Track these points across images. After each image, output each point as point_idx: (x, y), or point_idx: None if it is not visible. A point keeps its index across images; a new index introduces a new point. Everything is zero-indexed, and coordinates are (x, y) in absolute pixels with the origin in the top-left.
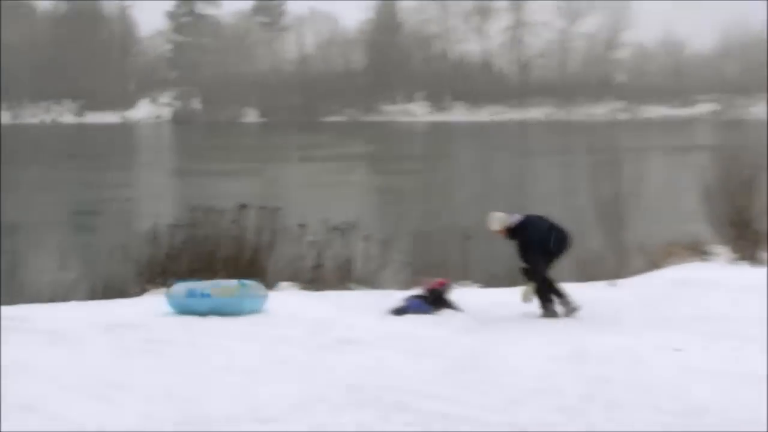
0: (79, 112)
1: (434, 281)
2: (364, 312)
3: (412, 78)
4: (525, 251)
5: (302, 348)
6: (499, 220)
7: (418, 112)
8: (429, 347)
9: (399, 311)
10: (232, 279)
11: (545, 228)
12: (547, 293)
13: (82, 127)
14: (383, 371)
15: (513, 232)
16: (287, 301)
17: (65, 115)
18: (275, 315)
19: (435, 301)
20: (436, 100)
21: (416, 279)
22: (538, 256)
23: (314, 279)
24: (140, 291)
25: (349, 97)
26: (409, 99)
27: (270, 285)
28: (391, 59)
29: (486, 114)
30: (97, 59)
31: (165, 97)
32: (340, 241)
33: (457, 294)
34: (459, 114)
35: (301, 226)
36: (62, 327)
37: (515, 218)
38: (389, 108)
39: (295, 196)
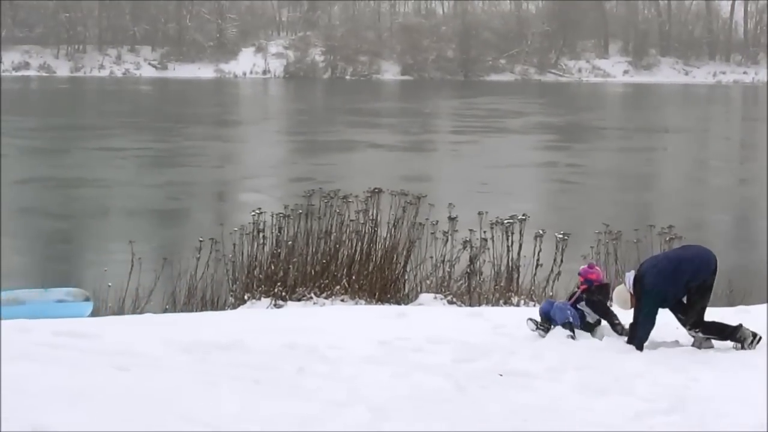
0: (161, 63)
1: (593, 270)
2: (530, 334)
3: (605, 26)
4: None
5: (447, 379)
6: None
7: (613, 71)
8: (617, 382)
9: (540, 324)
10: (356, 288)
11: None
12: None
13: (163, 83)
14: (558, 414)
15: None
16: (430, 318)
17: (143, 66)
18: (413, 336)
19: (597, 306)
20: (637, 56)
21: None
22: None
23: (466, 290)
24: (236, 302)
25: (519, 50)
26: (601, 53)
27: (407, 296)
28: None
29: (702, 74)
30: None
31: (275, 46)
32: (503, 241)
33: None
34: (666, 74)
35: (452, 219)
36: (133, 346)
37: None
38: (573, 64)
39: (444, 179)
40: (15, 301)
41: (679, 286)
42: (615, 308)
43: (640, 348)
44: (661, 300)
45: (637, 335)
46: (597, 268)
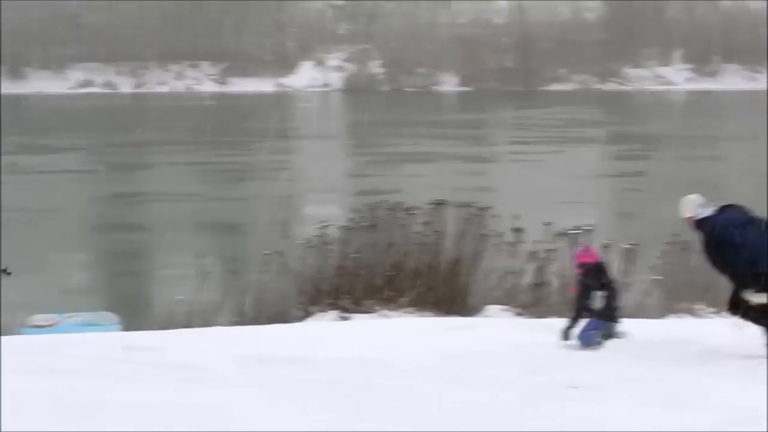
0: (222, 78)
1: (587, 252)
2: (600, 346)
3: (667, 33)
4: (711, 254)
5: (516, 393)
6: (690, 204)
7: (675, 78)
8: (690, 395)
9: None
10: (421, 300)
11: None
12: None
13: (224, 97)
14: (631, 428)
15: (699, 225)
16: (497, 330)
17: (204, 81)
18: (481, 349)
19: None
20: (701, 62)
21: (669, 303)
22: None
23: (533, 302)
24: (303, 314)
25: (579, 59)
26: (663, 61)
27: (473, 308)
28: (637, 7)
29: None
30: (245, 9)
31: (334, 59)
32: (569, 252)
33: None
34: (730, 80)
35: (517, 230)
36: (202, 360)
37: (707, 210)
38: (634, 73)
39: (507, 190)
40: (45, 325)
41: None
42: None
43: None
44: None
45: None
46: (592, 250)
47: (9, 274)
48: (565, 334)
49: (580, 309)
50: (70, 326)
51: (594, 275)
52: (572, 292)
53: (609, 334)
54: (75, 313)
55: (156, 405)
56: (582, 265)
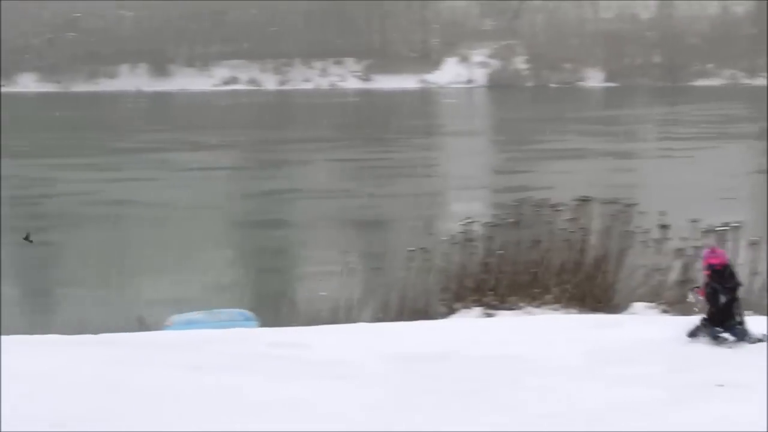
0: (366, 75)
1: (714, 253)
2: (748, 345)
3: None
4: None
5: (663, 390)
6: None
7: None
8: None
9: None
10: (566, 297)
11: None
12: None
13: (369, 94)
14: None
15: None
16: (643, 327)
17: (348, 78)
18: (627, 346)
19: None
20: None
21: None
22: None
23: (679, 299)
24: (447, 311)
25: (727, 54)
26: None
27: (618, 305)
28: None
29: None
30: (390, 6)
31: (478, 55)
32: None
33: None
34: None
35: (663, 227)
36: (347, 356)
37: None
38: None
39: (656, 186)
40: (185, 324)
41: None
42: None
43: None
44: None
45: None
46: (719, 251)
47: (31, 241)
48: (693, 333)
49: (709, 311)
50: (212, 323)
51: (720, 278)
52: (700, 294)
53: (743, 336)
54: (217, 310)
55: (305, 401)
56: (709, 267)
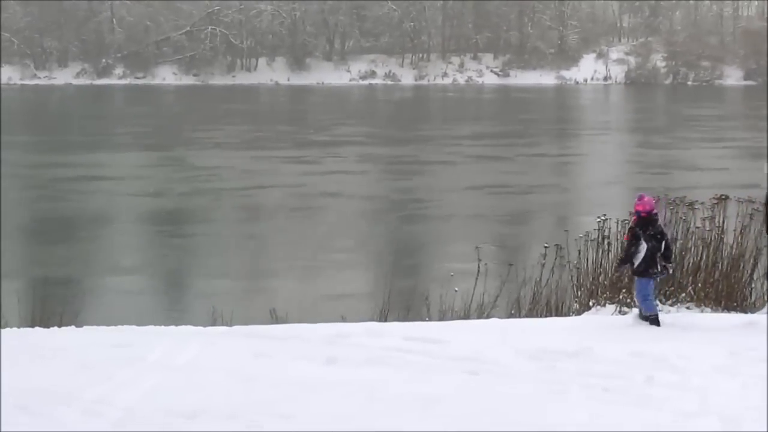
0: (503, 71)
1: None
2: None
3: None
4: None
5: None
6: None
7: None
8: None
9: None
10: (702, 295)
11: None
12: None
13: (506, 90)
14: None
15: None
16: None
17: (485, 74)
18: (764, 346)
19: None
20: None
21: None
22: None
23: None
24: (581, 308)
25: None
26: None
27: (754, 304)
28: None
29: None
30: (528, 2)
31: (616, 52)
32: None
33: None
34: None
35: None
36: (481, 352)
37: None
38: None
39: None
40: None
41: None
42: None
43: None
44: None
45: None
46: (647, 198)
47: None
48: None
49: (624, 257)
50: None
51: (645, 225)
52: (625, 238)
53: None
54: None
55: (445, 397)
56: (636, 213)
